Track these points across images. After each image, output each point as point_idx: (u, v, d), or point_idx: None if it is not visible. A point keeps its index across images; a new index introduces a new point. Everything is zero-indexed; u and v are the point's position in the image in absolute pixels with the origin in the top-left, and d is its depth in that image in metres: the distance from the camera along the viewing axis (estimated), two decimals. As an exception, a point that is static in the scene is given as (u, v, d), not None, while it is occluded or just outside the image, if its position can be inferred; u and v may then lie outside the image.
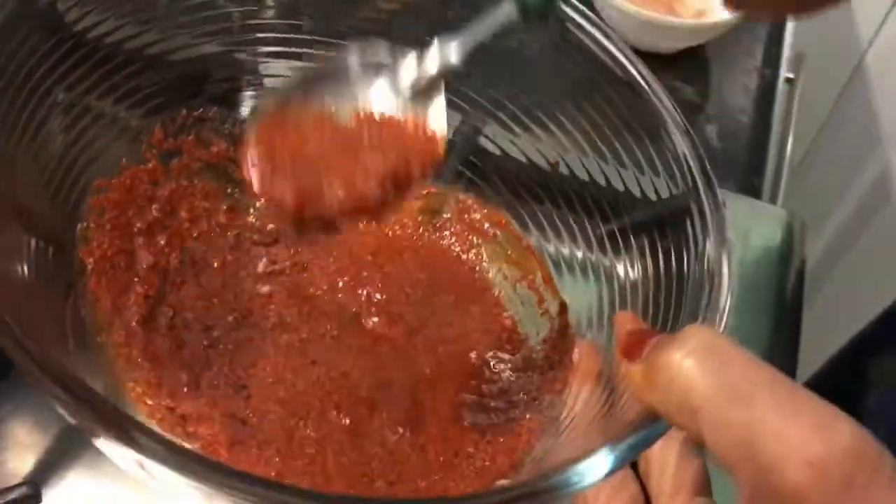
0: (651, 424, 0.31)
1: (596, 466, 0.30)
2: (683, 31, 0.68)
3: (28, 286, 0.39)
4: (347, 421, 0.46)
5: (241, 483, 0.27)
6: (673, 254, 0.41)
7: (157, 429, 0.42)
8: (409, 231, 0.54)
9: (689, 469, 0.34)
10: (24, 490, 0.42)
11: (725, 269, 0.37)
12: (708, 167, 0.40)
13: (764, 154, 0.68)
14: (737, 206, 0.56)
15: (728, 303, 0.36)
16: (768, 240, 0.56)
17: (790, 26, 0.78)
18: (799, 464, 0.23)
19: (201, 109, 0.52)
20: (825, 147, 1.12)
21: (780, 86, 0.74)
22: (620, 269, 0.45)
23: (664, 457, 0.35)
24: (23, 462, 0.45)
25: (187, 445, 0.42)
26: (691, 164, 0.41)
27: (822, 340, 0.74)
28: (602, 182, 0.46)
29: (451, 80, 0.52)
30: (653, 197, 0.43)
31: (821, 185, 1.10)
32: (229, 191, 0.54)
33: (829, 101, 1.09)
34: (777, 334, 0.53)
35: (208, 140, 0.53)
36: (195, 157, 0.52)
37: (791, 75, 0.79)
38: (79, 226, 0.46)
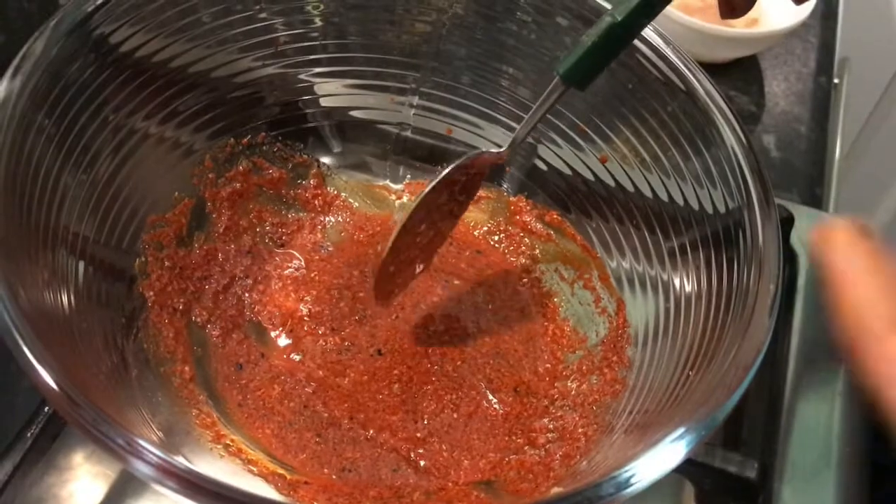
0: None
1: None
2: (738, 40, 0.67)
3: (81, 315, 0.39)
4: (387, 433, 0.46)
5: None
6: (728, 268, 0.40)
7: (221, 454, 0.42)
8: (465, 236, 0.54)
9: None
10: (105, 524, 0.42)
11: (772, 287, 0.36)
12: (766, 179, 0.39)
13: (824, 164, 0.67)
14: (804, 218, 0.55)
15: (772, 324, 0.35)
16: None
17: (839, 32, 0.77)
18: None
19: (249, 136, 0.52)
20: (865, 150, 1.11)
21: (833, 93, 0.73)
22: (677, 282, 0.44)
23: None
24: (93, 493, 0.45)
25: (249, 470, 0.42)
26: (747, 176, 0.40)
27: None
28: (664, 196, 0.45)
29: (514, 94, 0.52)
30: (710, 210, 0.42)
31: (859, 190, 1.09)
32: (284, 212, 0.53)
33: (870, 104, 1.08)
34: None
35: (261, 166, 0.53)
36: (251, 183, 0.52)
37: (836, 80, 0.78)
38: (137, 260, 0.46)
